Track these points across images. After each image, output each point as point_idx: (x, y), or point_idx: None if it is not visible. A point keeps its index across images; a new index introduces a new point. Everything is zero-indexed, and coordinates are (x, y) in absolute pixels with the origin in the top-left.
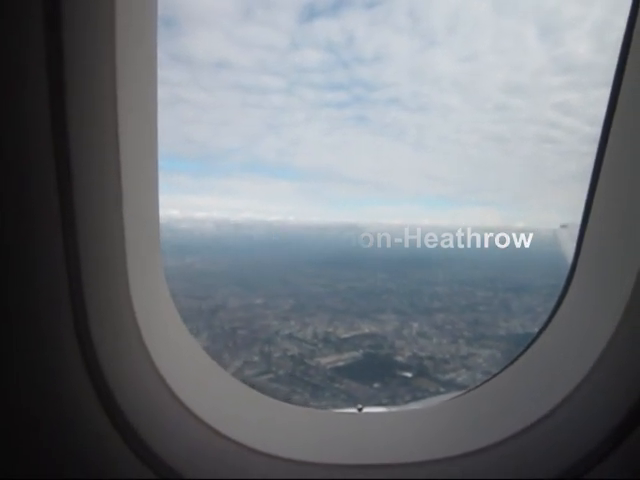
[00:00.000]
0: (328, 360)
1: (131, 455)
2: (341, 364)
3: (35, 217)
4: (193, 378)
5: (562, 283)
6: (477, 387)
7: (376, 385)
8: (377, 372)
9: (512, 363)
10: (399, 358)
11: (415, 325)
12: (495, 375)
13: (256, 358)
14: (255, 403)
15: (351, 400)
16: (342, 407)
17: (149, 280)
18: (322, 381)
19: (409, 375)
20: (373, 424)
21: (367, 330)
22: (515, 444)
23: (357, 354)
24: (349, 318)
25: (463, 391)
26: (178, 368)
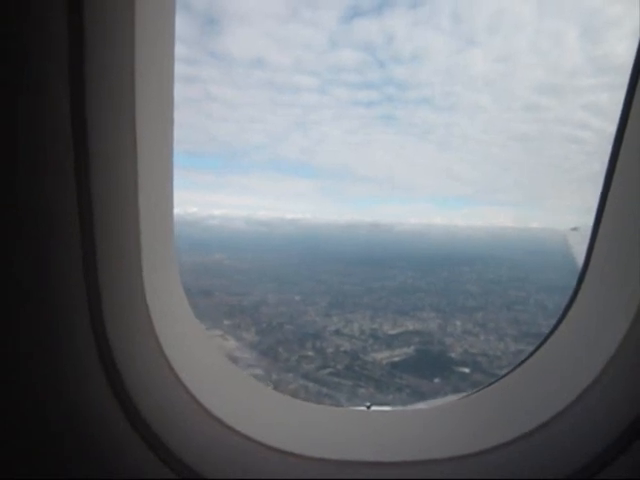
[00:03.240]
0: (382, 355)
1: (149, 454)
2: (396, 359)
3: (53, 213)
4: (208, 376)
5: None
6: (486, 387)
7: (436, 380)
8: (433, 368)
9: (521, 364)
10: (452, 354)
11: (458, 323)
12: (504, 375)
13: (310, 353)
14: (271, 401)
15: (417, 394)
16: (410, 402)
17: (163, 276)
18: (382, 376)
19: (467, 370)
20: (384, 422)
21: (411, 327)
22: (525, 444)
23: (409, 350)
24: (390, 315)
25: (472, 390)
26: (193, 367)
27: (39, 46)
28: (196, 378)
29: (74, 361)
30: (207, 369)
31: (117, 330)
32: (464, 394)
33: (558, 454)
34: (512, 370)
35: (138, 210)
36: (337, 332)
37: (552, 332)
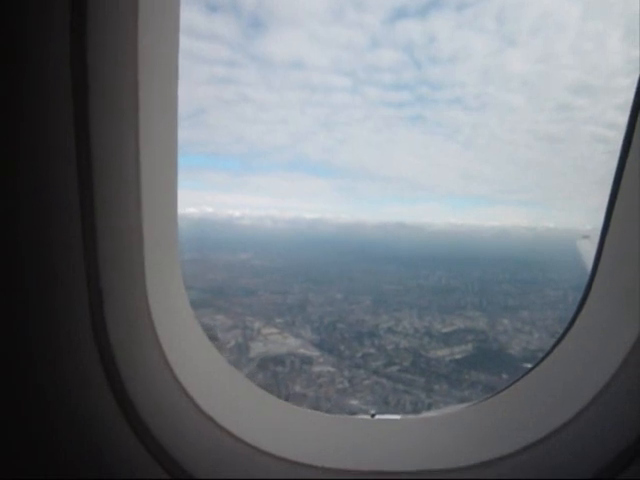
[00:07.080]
0: (443, 353)
1: (145, 455)
2: (458, 357)
3: (54, 216)
4: (207, 380)
5: None
6: (493, 396)
7: (504, 376)
8: (496, 364)
9: (527, 373)
10: (511, 351)
11: (506, 321)
12: (511, 384)
13: (372, 350)
14: (269, 406)
15: (491, 390)
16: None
17: (166, 281)
18: (450, 373)
19: (530, 366)
20: (389, 431)
21: (462, 325)
22: (530, 454)
23: (467, 348)
24: (436, 314)
25: (479, 399)
26: (192, 369)
27: (41, 47)
28: (198, 384)
29: (77, 366)
30: (209, 375)
31: (119, 335)
32: (471, 403)
33: (564, 465)
34: (518, 379)
35: (141, 214)
36: (390, 330)
37: (559, 341)
